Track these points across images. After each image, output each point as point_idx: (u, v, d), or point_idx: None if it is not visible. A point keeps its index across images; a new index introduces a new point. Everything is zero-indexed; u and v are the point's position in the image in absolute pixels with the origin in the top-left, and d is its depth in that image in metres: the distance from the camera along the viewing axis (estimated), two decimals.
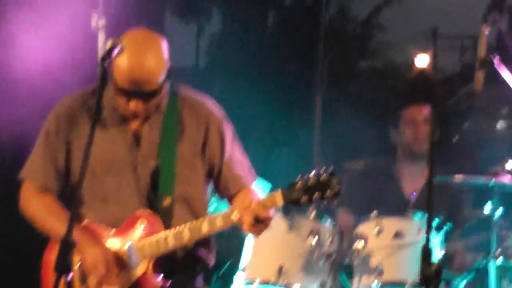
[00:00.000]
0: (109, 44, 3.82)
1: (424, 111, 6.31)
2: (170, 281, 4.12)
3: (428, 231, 4.09)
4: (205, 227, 3.98)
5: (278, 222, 5.49)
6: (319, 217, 5.60)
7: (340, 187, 3.90)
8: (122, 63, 3.87)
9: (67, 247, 3.45)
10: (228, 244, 5.88)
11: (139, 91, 3.95)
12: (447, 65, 7.36)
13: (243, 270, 5.56)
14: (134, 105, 4.01)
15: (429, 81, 7.04)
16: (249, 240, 5.69)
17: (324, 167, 3.94)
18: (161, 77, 4.02)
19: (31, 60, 6.82)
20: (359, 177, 6.51)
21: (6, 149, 6.52)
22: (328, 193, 3.86)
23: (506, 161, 6.31)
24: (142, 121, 4.20)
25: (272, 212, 3.99)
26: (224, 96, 7.58)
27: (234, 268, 5.84)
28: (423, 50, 7.66)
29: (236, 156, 4.35)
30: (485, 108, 7.65)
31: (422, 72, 6.92)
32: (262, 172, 5.27)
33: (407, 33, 7.88)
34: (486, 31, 5.36)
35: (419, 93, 6.67)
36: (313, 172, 3.91)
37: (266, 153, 6.85)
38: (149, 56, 3.95)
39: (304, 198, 3.87)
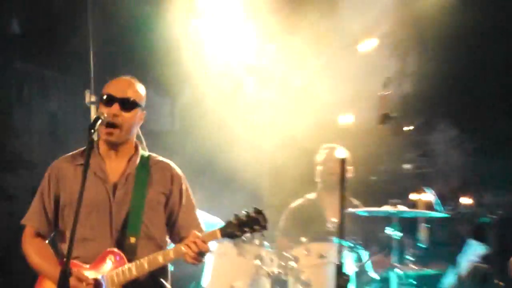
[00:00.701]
0: (94, 116, 3.94)
1: (336, 153, 6.26)
2: None
3: (339, 251, 4.26)
4: (160, 259, 4.04)
5: (229, 249, 5.62)
6: (262, 243, 5.69)
7: (266, 223, 3.99)
8: (106, 85, 4.09)
9: (65, 275, 3.57)
10: (193, 269, 5.75)
11: (119, 97, 4.02)
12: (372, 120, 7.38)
13: (204, 287, 5.74)
14: (114, 109, 4.02)
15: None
16: (208, 265, 5.79)
17: (254, 207, 4.01)
18: (137, 93, 4.12)
19: None
20: (294, 212, 6.51)
21: None
22: (256, 227, 3.96)
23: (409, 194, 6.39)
24: (120, 175, 4.19)
25: (209, 245, 4.06)
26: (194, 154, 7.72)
27: (197, 285, 5.97)
28: (348, 110, 7.84)
29: (189, 207, 4.38)
30: (395, 154, 7.82)
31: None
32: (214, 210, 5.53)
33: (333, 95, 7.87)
34: (385, 92, 5.47)
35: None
36: (245, 211, 3.99)
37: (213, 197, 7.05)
38: (129, 79, 4.14)
39: (238, 232, 3.96)
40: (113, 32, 6.90)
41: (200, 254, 4.01)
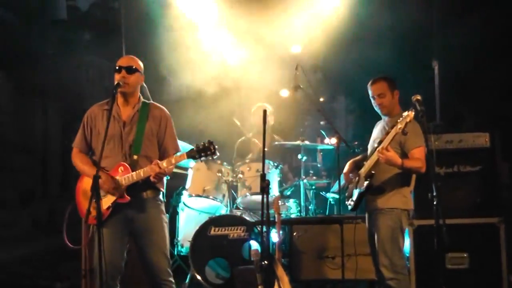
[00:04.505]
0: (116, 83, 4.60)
1: (261, 109, 6.18)
2: (136, 197, 4.61)
3: (263, 170, 4.84)
4: (149, 170, 4.58)
5: (201, 166, 6.57)
6: (222, 162, 6.63)
7: (215, 149, 4.52)
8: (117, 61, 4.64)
9: (96, 179, 4.27)
10: (183, 180, 6.83)
11: (125, 65, 4.64)
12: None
13: (187, 189, 6.72)
14: (122, 74, 4.60)
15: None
16: (189, 176, 6.63)
17: (208, 140, 4.57)
18: (137, 65, 4.69)
19: None
20: (239, 144, 7.45)
21: None
22: (209, 152, 4.55)
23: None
24: (128, 116, 4.72)
25: (171, 167, 4.58)
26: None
27: (183, 189, 6.83)
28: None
29: (170, 137, 4.81)
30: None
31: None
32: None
33: None
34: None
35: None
36: (202, 142, 4.56)
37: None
38: (132, 56, 4.78)
39: (197, 155, 4.55)
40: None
41: (158, 174, 4.55)
